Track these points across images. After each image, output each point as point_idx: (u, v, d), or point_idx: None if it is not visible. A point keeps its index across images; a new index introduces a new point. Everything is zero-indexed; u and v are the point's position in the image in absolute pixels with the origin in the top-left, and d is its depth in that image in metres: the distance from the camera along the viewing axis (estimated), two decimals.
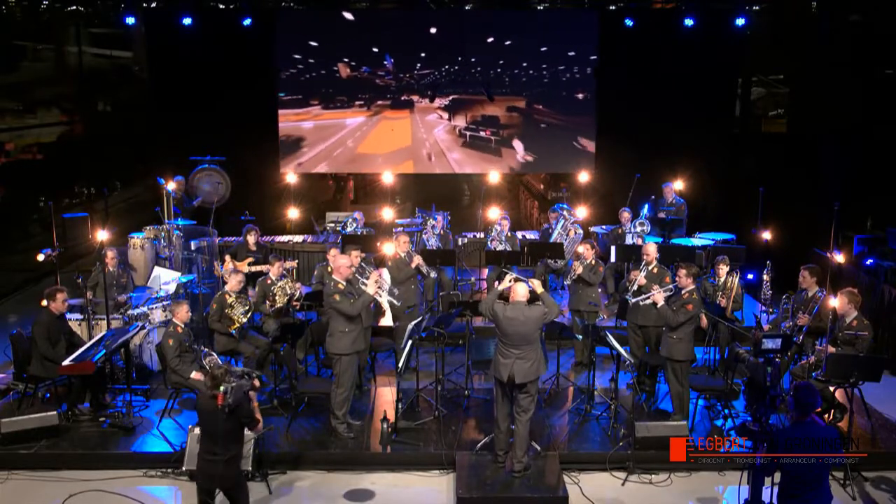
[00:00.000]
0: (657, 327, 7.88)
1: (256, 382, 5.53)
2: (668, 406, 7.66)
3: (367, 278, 7.40)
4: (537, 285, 6.68)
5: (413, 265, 9.10)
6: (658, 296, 7.48)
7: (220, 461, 5.39)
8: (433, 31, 13.54)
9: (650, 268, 8.26)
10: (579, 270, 8.62)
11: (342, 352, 7.15)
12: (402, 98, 13.73)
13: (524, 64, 13.56)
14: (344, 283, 7.22)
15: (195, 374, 7.42)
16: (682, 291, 7.43)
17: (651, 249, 8.39)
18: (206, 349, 7.71)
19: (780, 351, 6.82)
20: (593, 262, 8.83)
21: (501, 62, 13.56)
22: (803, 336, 7.96)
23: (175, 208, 11.03)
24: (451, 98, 13.70)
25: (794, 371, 7.81)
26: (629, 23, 13.05)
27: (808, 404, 4.95)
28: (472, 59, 13.55)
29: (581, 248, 8.99)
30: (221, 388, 5.24)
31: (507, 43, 13.52)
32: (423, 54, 13.59)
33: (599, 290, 9.10)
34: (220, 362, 6.29)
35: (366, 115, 13.79)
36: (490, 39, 13.51)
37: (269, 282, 8.70)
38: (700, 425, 7.51)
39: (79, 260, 11.63)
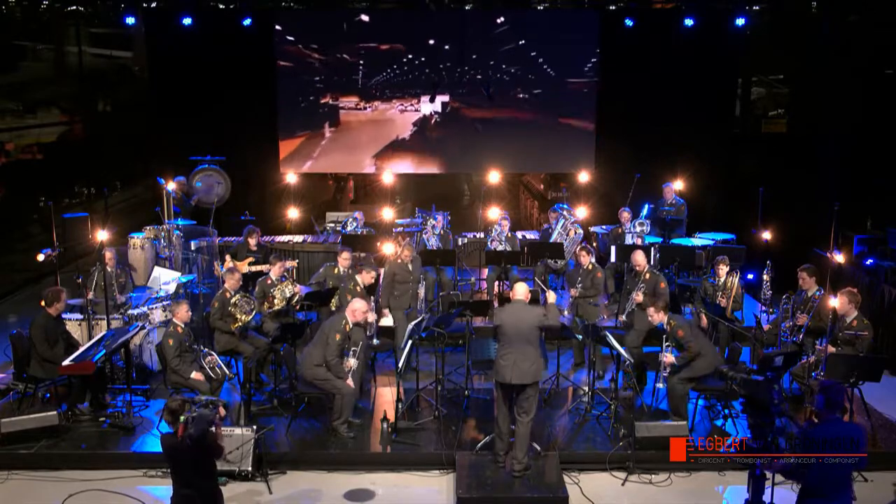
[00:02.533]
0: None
1: (222, 411, 5.28)
2: (667, 406, 7.65)
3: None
4: (551, 296, 6.83)
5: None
6: (668, 358, 7.35)
7: (196, 498, 5.12)
8: (432, 31, 13.53)
9: (643, 274, 8.27)
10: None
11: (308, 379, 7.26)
12: (401, 97, 13.76)
13: (524, 64, 13.53)
14: (351, 326, 7.27)
15: (195, 374, 7.42)
16: (664, 327, 7.35)
17: (640, 259, 8.37)
18: (206, 349, 7.73)
19: (782, 368, 6.84)
20: (590, 266, 8.85)
21: (501, 62, 13.54)
22: (803, 336, 7.97)
23: (175, 208, 11.03)
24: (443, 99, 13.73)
25: (795, 371, 7.80)
26: (629, 23, 13.05)
27: (838, 402, 4.97)
28: (473, 59, 13.53)
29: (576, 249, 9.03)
30: (182, 419, 4.98)
31: (507, 43, 13.49)
32: (422, 55, 13.57)
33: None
34: (178, 395, 6.17)
35: (362, 113, 13.81)
36: (490, 39, 13.49)
37: (269, 282, 8.70)
38: (700, 425, 7.51)
39: (79, 260, 11.57)
